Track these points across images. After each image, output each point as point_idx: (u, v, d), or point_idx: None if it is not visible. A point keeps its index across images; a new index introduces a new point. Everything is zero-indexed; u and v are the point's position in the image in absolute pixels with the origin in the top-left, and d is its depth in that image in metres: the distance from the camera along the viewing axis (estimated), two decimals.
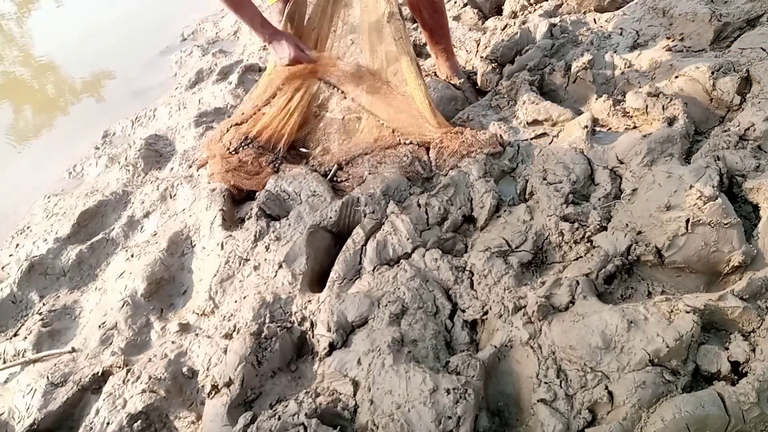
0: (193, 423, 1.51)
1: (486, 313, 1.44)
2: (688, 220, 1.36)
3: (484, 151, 1.87)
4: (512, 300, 1.39)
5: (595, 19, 2.47)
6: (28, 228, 2.55)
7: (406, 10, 2.75)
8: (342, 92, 2.16)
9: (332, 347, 1.48)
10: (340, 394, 1.35)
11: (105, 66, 4.17)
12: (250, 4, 1.99)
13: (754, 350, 1.15)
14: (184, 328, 1.76)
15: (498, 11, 3.06)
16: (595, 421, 1.17)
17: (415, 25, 2.98)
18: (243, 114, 2.24)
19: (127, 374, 1.62)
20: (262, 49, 3.57)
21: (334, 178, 2.02)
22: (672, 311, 1.21)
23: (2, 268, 2.31)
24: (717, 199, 1.36)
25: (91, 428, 1.54)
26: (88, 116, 3.61)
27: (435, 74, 2.51)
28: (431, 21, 2.32)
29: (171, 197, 2.35)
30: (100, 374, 1.69)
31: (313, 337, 1.55)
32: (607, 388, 1.17)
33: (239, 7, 1.97)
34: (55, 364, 1.78)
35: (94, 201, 2.47)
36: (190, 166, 2.52)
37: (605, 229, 1.50)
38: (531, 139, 1.94)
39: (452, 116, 2.21)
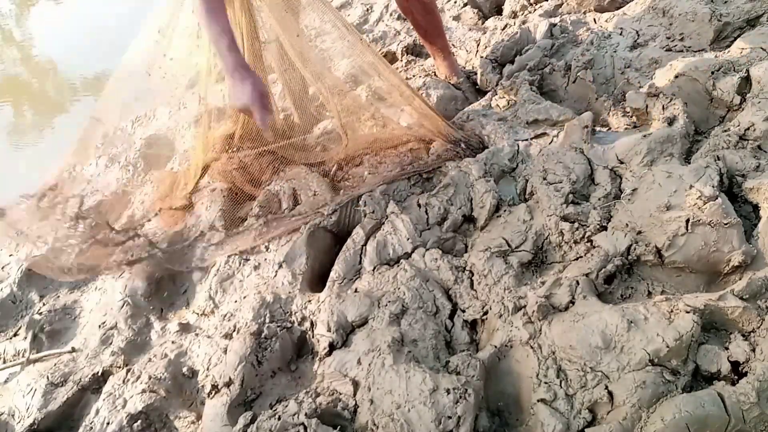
0: (193, 423, 1.51)
1: (486, 313, 1.44)
2: (688, 220, 1.36)
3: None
4: (512, 300, 1.39)
5: (595, 19, 2.47)
6: (28, 228, 2.54)
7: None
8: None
9: (332, 347, 1.48)
10: (340, 394, 1.35)
11: (105, 66, 4.16)
12: (227, 20, 1.62)
13: (754, 350, 1.15)
14: (184, 328, 1.76)
15: (498, 11, 3.06)
16: (595, 421, 1.17)
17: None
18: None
19: (127, 374, 1.62)
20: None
21: (334, 178, 2.02)
22: (672, 311, 1.21)
23: (2, 268, 2.31)
24: (717, 199, 1.36)
25: (91, 428, 1.55)
26: (88, 116, 3.60)
27: (434, 74, 2.51)
28: (423, 21, 2.31)
29: None
30: (100, 374, 1.69)
31: (313, 337, 1.55)
32: (607, 388, 1.17)
33: (213, 16, 1.59)
34: (55, 364, 1.78)
35: (94, 201, 2.46)
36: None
37: (605, 229, 1.50)
38: (531, 139, 1.94)
39: (452, 116, 2.21)
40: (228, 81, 1.63)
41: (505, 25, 2.67)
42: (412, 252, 1.64)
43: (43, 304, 2.05)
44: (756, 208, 1.46)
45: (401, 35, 3.09)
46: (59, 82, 4.33)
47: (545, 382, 1.23)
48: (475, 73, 2.45)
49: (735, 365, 1.15)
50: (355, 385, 1.34)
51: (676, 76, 1.85)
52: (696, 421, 1.05)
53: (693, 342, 1.17)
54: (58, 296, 2.08)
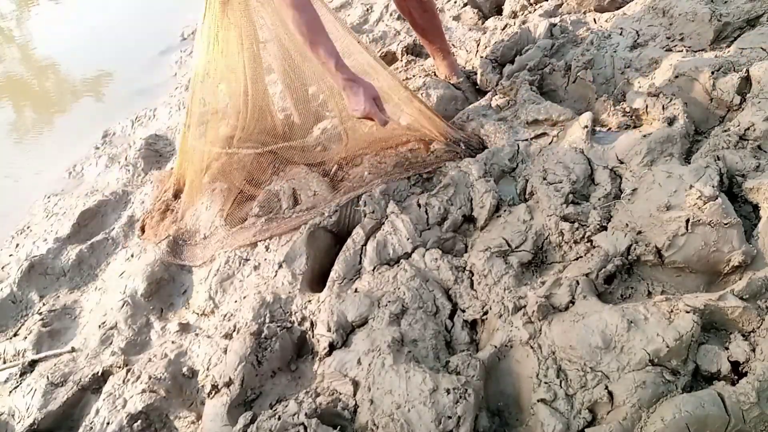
0: (193, 423, 1.51)
1: (486, 313, 1.44)
2: (688, 220, 1.36)
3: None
4: (512, 300, 1.39)
5: (595, 19, 2.47)
6: (28, 228, 2.55)
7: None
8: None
9: (332, 347, 1.48)
10: (340, 394, 1.35)
11: (105, 66, 4.17)
12: (329, 40, 1.73)
13: (754, 350, 1.15)
14: (184, 328, 1.76)
15: (498, 11, 3.06)
16: (595, 421, 1.17)
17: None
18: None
19: (127, 374, 1.62)
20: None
21: (334, 178, 2.02)
22: (672, 311, 1.21)
23: (2, 268, 2.31)
24: (717, 199, 1.36)
25: (91, 428, 1.55)
26: (88, 116, 3.61)
27: (434, 74, 2.51)
28: (421, 21, 2.31)
29: None
30: (100, 374, 1.69)
31: (313, 337, 1.55)
32: (607, 388, 1.17)
33: (316, 40, 1.68)
34: (55, 364, 1.78)
35: (94, 201, 2.47)
36: None
37: (605, 229, 1.50)
38: (531, 139, 1.94)
39: (452, 116, 2.21)
40: (343, 95, 1.78)
41: (505, 25, 2.67)
42: (412, 252, 1.64)
43: (43, 304, 2.05)
44: (756, 208, 1.46)
45: (401, 35, 3.09)
46: (59, 82, 4.33)
47: (545, 382, 1.23)
48: (475, 73, 2.45)
49: (735, 365, 1.15)
50: (355, 385, 1.34)
51: (676, 76, 1.85)
52: (696, 421, 1.05)
53: (693, 342, 1.17)
54: (58, 296, 2.08)
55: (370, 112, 1.75)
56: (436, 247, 1.63)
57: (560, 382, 1.22)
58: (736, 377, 1.13)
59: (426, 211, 1.73)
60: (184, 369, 1.61)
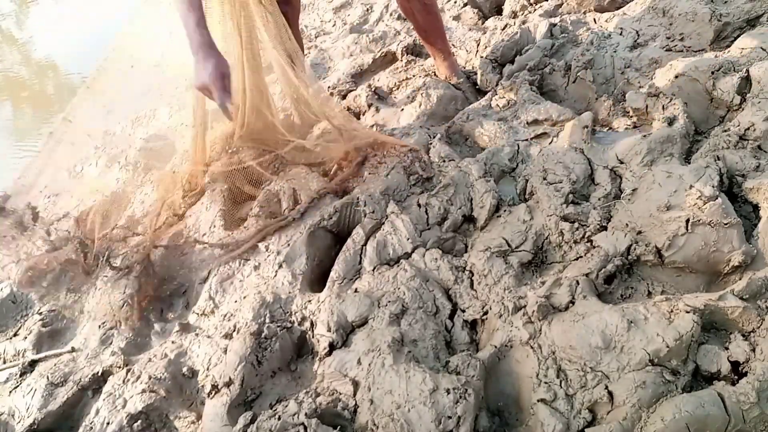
0: (193, 423, 1.51)
1: (486, 313, 1.44)
2: (688, 220, 1.36)
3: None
4: (512, 300, 1.40)
5: (595, 19, 2.47)
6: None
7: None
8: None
9: (332, 347, 1.48)
10: (340, 394, 1.35)
11: (105, 66, 4.16)
12: None
13: (754, 350, 1.15)
14: (184, 328, 1.76)
15: (498, 11, 3.06)
16: (595, 421, 1.17)
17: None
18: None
19: (127, 374, 1.62)
20: None
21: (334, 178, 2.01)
22: (672, 311, 1.21)
23: (2, 268, 2.31)
24: (717, 199, 1.36)
25: (91, 428, 1.55)
26: (88, 116, 3.61)
27: (434, 74, 2.51)
28: (425, 23, 2.32)
29: None
30: (100, 374, 1.69)
31: (313, 337, 1.55)
32: (607, 387, 1.17)
33: None
34: (55, 364, 1.78)
35: (94, 201, 2.46)
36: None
37: (605, 228, 1.50)
38: (531, 139, 1.94)
39: (452, 116, 2.21)
40: (193, 59, 1.60)
41: (505, 25, 2.68)
42: (412, 252, 1.64)
43: (43, 304, 2.05)
44: (756, 208, 1.46)
45: (401, 35, 3.09)
46: (59, 82, 4.33)
47: (545, 382, 1.23)
48: (475, 73, 2.45)
49: (735, 365, 1.15)
50: (355, 385, 1.34)
51: (676, 76, 1.85)
52: (696, 421, 1.05)
53: (693, 342, 1.17)
54: (58, 296, 2.08)
55: (210, 86, 1.58)
56: (436, 247, 1.64)
57: (560, 382, 1.22)
58: (736, 377, 1.14)
59: (426, 211, 1.74)
60: (184, 369, 1.61)
